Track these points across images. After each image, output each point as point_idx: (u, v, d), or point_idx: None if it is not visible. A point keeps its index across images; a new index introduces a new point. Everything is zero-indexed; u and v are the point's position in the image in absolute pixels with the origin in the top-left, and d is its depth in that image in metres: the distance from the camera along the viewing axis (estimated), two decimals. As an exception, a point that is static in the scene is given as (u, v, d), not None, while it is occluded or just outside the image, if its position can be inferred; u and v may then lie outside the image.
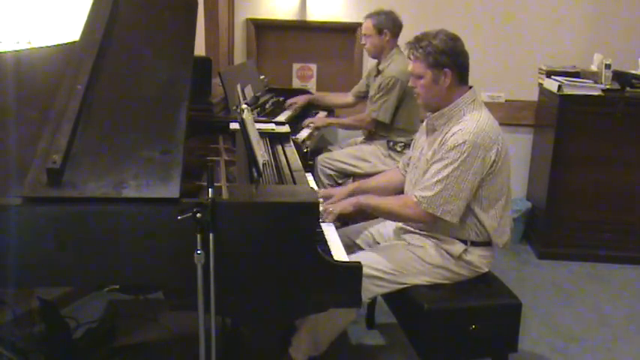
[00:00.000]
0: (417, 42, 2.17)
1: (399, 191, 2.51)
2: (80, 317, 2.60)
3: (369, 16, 3.47)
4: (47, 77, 1.97)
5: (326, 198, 2.42)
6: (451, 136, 2.12)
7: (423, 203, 2.12)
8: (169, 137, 1.69)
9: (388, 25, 3.43)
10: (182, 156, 1.65)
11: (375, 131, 3.57)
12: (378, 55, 3.53)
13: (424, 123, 2.38)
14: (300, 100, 3.93)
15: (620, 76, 3.67)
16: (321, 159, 3.55)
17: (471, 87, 2.23)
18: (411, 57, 2.20)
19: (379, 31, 3.43)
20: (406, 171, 2.48)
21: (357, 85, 3.89)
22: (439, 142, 2.17)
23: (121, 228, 1.61)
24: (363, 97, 3.83)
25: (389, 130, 3.51)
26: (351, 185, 2.60)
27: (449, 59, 2.13)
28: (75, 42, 1.96)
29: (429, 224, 2.20)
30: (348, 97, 3.97)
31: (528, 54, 4.13)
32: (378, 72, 3.55)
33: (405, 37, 2.32)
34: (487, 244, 2.26)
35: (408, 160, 2.50)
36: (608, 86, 3.61)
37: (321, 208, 2.22)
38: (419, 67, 2.17)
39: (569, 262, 3.74)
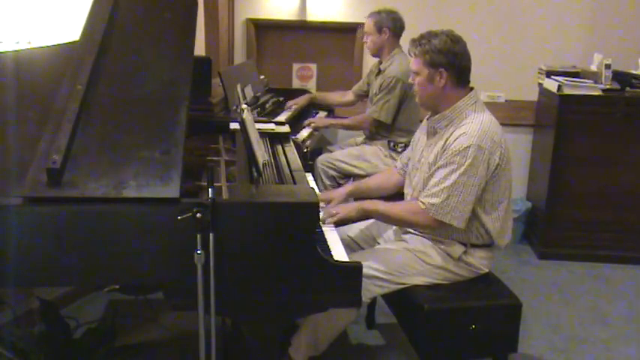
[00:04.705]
0: (419, 39, 2.18)
1: (396, 192, 2.51)
2: (80, 317, 2.60)
3: (370, 14, 3.51)
4: (47, 77, 1.97)
5: (325, 202, 2.42)
6: (455, 140, 2.11)
7: (431, 210, 2.11)
8: (169, 137, 1.69)
9: (388, 23, 3.45)
10: (182, 156, 1.65)
11: (375, 131, 3.57)
12: (379, 53, 3.54)
13: (423, 124, 2.38)
14: (300, 101, 3.94)
15: (620, 76, 3.67)
16: (321, 160, 3.55)
17: (472, 88, 2.22)
18: (411, 54, 2.21)
19: (379, 29, 3.46)
20: (404, 171, 2.48)
21: (358, 84, 3.90)
22: (442, 146, 2.16)
23: (121, 228, 1.61)
24: (363, 96, 3.84)
25: (390, 131, 3.52)
26: (348, 186, 2.60)
27: (445, 59, 2.12)
28: (75, 42, 1.96)
29: (436, 230, 2.19)
30: (348, 96, 3.97)
31: (528, 54, 4.13)
32: (379, 71, 3.55)
33: (405, 37, 2.32)
34: (487, 245, 2.26)
35: (406, 160, 2.49)
36: (608, 86, 3.61)
37: (322, 213, 2.22)
38: (416, 64, 2.19)
39: (569, 262, 3.74)
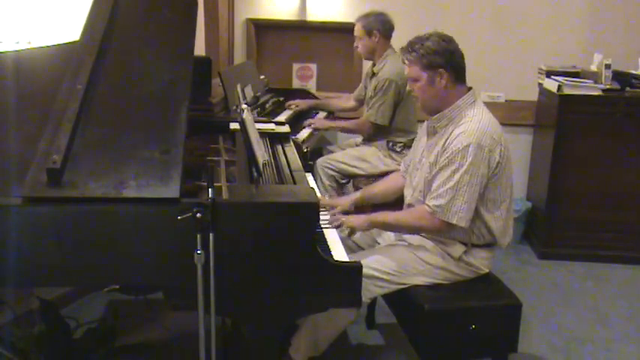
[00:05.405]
0: (410, 46, 2.17)
1: (402, 195, 2.50)
2: (80, 317, 2.60)
3: (358, 19, 3.49)
4: (47, 77, 1.97)
5: (329, 209, 2.42)
6: (454, 139, 2.11)
7: (438, 212, 2.10)
8: (169, 137, 1.69)
9: (377, 26, 3.43)
10: (182, 156, 1.65)
11: (374, 134, 3.57)
12: (371, 56, 3.54)
13: (424, 125, 2.38)
14: (302, 103, 3.93)
15: (620, 76, 3.67)
16: (321, 162, 3.54)
17: (470, 88, 2.22)
18: (406, 62, 2.20)
19: (368, 33, 3.44)
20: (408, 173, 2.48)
21: (358, 89, 3.89)
22: (442, 146, 2.16)
23: (121, 228, 1.61)
24: (364, 101, 3.83)
25: (388, 132, 3.51)
26: (355, 194, 2.59)
27: (442, 59, 2.12)
28: (75, 42, 1.96)
29: (444, 232, 2.18)
30: (350, 102, 3.97)
31: (528, 54, 4.13)
32: (373, 74, 3.55)
33: (405, 37, 2.32)
34: (487, 245, 2.26)
35: (409, 162, 2.49)
36: (608, 86, 3.61)
37: (326, 216, 2.22)
38: (414, 71, 2.17)
39: (569, 262, 3.74)
